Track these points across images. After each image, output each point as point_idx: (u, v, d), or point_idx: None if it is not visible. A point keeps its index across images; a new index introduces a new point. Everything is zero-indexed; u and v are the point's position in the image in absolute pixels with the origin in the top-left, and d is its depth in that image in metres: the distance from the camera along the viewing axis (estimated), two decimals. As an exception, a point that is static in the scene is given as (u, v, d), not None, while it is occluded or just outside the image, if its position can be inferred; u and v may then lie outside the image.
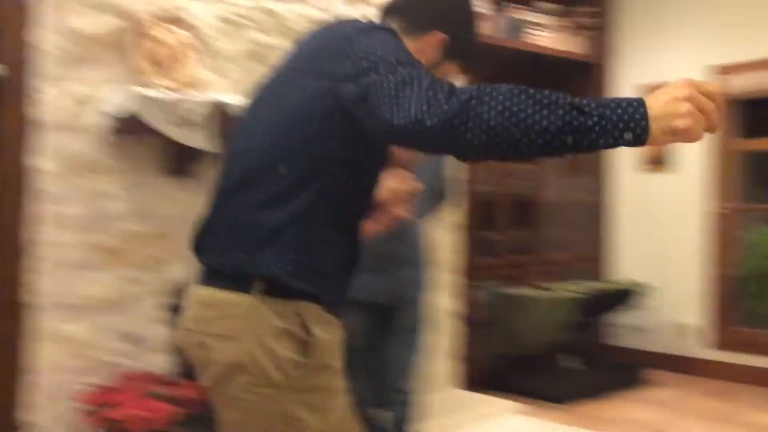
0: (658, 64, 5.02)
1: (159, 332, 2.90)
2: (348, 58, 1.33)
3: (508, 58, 4.50)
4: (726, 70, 4.69)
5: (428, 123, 1.19)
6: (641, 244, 5.14)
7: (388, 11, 1.62)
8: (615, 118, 1.15)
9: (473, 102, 1.18)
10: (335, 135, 1.36)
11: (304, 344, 1.37)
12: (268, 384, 1.34)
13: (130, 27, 2.83)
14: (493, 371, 4.42)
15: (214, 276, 1.40)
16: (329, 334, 1.43)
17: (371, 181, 1.50)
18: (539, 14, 4.80)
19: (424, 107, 1.20)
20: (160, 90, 2.73)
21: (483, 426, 3.69)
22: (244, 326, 1.34)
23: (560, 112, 1.16)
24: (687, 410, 4.08)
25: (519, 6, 4.64)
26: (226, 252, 1.38)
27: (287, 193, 1.36)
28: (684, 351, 4.93)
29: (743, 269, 4.30)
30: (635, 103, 1.16)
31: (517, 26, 4.61)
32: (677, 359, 4.94)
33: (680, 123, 1.14)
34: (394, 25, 1.55)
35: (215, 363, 1.36)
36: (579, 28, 5.11)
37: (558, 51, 4.95)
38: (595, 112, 1.16)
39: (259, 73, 3.20)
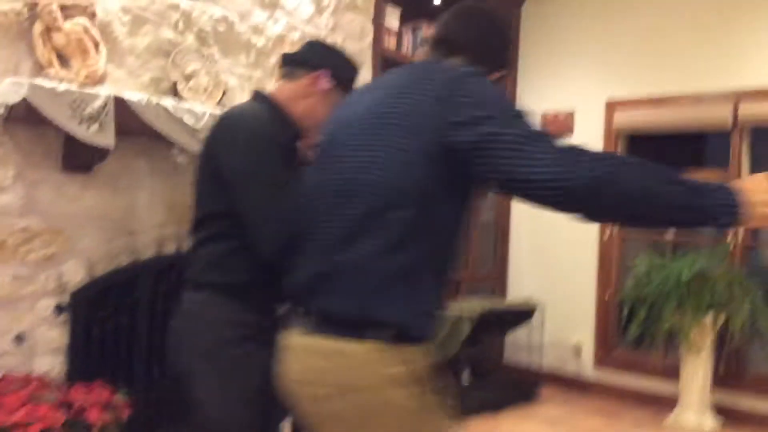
0: (558, 93, 5.22)
1: (49, 334, 2.77)
2: (460, 105, 1.33)
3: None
4: (614, 105, 4.93)
5: (568, 183, 1.24)
6: (539, 265, 5.31)
7: (446, 47, 1.61)
8: (721, 201, 1.26)
9: (612, 170, 1.25)
10: (444, 179, 1.35)
11: (422, 389, 1.34)
12: (397, 427, 1.31)
13: (35, 14, 2.71)
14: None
15: (326, 324, 1.34)
16: (434, 379, 1.41)
17: (465, 225, 1.47)
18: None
19: (561, 167, 1.25)
20: (61, 82, 2.63)
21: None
22: (365, 375, 1.31)
23: (684, 191, 1.25)
24: (574, 428, 4.22)
25: (432, 26, 4.74)
26: (343, 299, 1.33)
27: (403, 239, 1.33)
28: (575, 370, 5.11)
29: (630, 294, 4.50)
30: (732, 189, 1.27)
31: (430, 46, 4.70)
32: (568, 377, 5.12)
33: None
34: (455, 62, 1.54)
35: (337, 415, 1.31)
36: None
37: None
38: (710, 194, 1.26)
39: (162, 68, 3.14)
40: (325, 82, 1.97)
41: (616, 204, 1.26)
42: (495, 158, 1.29)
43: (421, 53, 1.73)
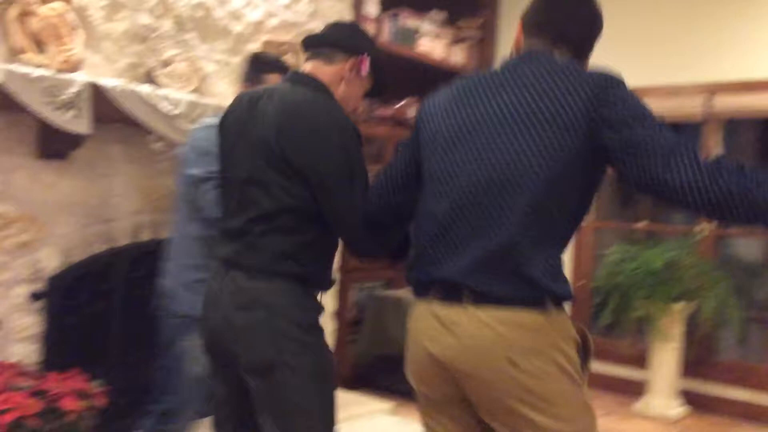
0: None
1: (24, 321, 2.76)
2: (611, 108, 1.48)
3: (399, 64, 4.59)
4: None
5: (708, 192, 1.39)
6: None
7: (552, 35, 1.67)
8: None
9: (748, 182, 1.39)
10: (585, 175, 1.53)
11: (578, 346, 1.57)
12: (570, 381, 1.52)
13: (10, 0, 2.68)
14: (365, 371, 4.48)
15: (497, 298, 1.50)
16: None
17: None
18: (430, 24, 4.91)
19: (703, 175, 1.40)
20: (36, 67, 2.60)
21: (355, 425, 3.74)
22: (544, 338, 1.51)
23: None
24: (546, 413, 4.29)
25: (412, 14, 4.74)
26: (520, 280, 1.50)
27: (557, 227, 1.54)
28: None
29: (602, 282, 4.56)
30: None
31: (409, 34, 4.70)
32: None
33: None
34: (561, 55, 1.64)
35: (524, 377, 1.48)
36: (463, 40, 5.27)
37: (445, 61, 5.09)
38: None
39: (139, 54, 3.12)
40: (366, 68, 1.94)
41: (747, 211, 1.41)
42: (641, 161, 1.44)
43: (520, 40, 1.74)
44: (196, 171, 2.19)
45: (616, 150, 1.47)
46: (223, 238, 1.88)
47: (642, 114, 1.48)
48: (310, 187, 1.77)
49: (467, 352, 1.52)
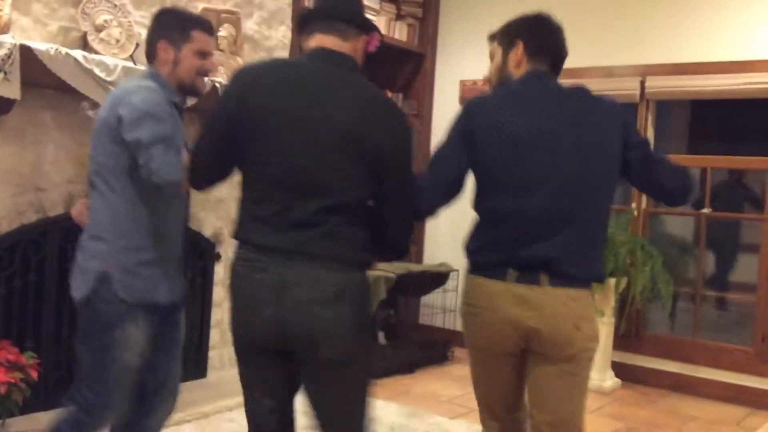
0: (475, 63, 5.27)
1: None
2: (630, 131, 1.97)
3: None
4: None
5: (689, 189, 1.98)
6: (454, 235, 5.40)
7: (551, 61, 2.02)
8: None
9: (689, 176, 2.00)
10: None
11: None
12: (597, 332, 1.99)
13: (-69, -47, 2.55)
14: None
15: (569, 279, 1.90)
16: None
17: None
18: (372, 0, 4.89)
19: (684, 178, 1.98)
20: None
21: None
22: (592, 310, 1.99)
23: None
24: (485, 386, 4.35)
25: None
26: (584, 265, 1.92)
27: (606, 226, 2.00)
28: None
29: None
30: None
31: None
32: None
33: None
34: (544, 66, 2.02)
35: (583, 338, 1.92)
36: (404, 17, 5.27)
37: (388, 37, 5.08)
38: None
39: (72, 18, 3.01)
40: (374, 46, 1.92)
41: (691, 194, 2.01)
42: (647, 170, 1.96)
43: (522, 60, 2.02)
44: (141, 134, 1.96)
45: (636, 164, 1.96)
46: (278, 226, 1.77)
47: (644, 137, 2.03)
48: (381, 177, 1.80)
49: (546, 321, 1.91)
